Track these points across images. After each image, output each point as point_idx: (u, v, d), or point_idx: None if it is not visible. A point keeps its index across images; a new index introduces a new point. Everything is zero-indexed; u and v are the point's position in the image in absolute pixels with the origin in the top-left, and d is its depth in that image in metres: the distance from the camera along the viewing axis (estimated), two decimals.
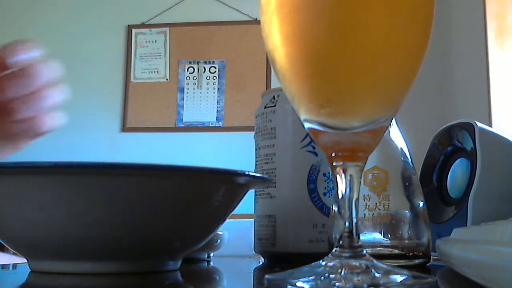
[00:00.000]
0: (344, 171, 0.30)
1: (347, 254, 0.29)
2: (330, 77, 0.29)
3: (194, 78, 2.55)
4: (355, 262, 0.28)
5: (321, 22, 0.28)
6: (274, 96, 0.52)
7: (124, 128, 2.51)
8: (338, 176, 0.30)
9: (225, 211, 0.38)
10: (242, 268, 0.52)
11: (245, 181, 0.37)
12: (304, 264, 0.30)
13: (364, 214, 0.40)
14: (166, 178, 0.33)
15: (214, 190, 0.35)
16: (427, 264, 0.42)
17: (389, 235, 0.41)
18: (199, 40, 2.56)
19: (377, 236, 0.41)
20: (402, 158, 0.43)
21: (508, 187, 0.49)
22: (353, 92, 0.30)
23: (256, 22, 2.44)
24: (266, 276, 0.30)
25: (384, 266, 0.29)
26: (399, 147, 0.43)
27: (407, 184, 0.42)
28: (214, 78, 2.54)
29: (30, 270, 0.36)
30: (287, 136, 0.50)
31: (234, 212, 0.39)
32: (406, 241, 0.41)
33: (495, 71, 2.21)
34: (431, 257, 0.42)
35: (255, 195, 0.52)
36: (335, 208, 0.41)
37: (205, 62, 2.56)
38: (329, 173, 0.49)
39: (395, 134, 0.43)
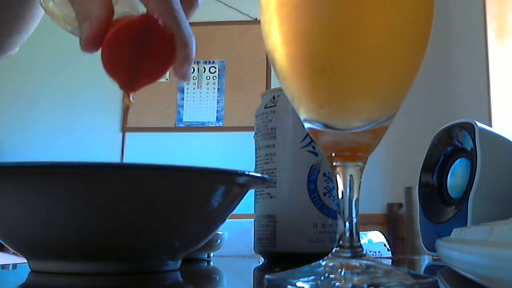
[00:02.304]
0: (344, 171, 0.30)
1: (347, 254, 0.29)
2: (330, 77, 0.29)
3: (194, 78, 2.55)
4: (355, 262, 0.28)
5: (321, 22, 0.28)
6: (274, 96, 0.52)
7: (124, 128, 2.51)
8: (338, 176, 0.30)
9: (225, 211, 0.38)
10: (242, 268, 0.52)
11: (245, 181, 0.37)
12: (304, 264, 0.30)
13: None
14: (166, 178, 0.33)
15: (214, 190, 0.35)
16: (427, 264, 0.42)
17: None
18: (199, 40, 2.54)
19: None
20: None
21: (508, 187, 0.49)
22: (353, 92, 0.30)
23: (256, 22, 2.44)
24: (266, 276, 0.30)
25: (384, 266, 0.29)
26: None
27: None
28: (214, 78, 2.54)
29: (30, 270, 0.36)
30: (287, 136, 0.50)
31: (234, 212, 0.39)
32: None
33: (495, 71, 2.21)
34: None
35: (255, 195, 0.52)
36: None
37: (205, 62, 2.56)
38: (329, 173, 0.49)
39: None
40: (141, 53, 0.41)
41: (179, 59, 0.42)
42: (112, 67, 0.42)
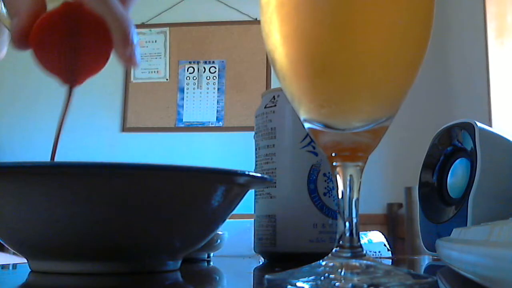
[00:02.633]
0: (344, 171, 0.30)
1: (347, 254, 0.29)
2: (330, 77, 0.29)
3: (194, 78, 2.55)
4: (355, 262, 0.28)
5: (321, 22, 0.28)
6: (274, 96, 0.52)
7: (124, 128, 2.51)
8: (338, 176, 0.30)
9: (225, 211, 0.38)
10: (242, 268, 0.52)
11: (245, 181, 0.37)
12: (304, 264, 0.30)
13: None
14: (166, 178, 0.33)
15: (214, 190, 0.35)
16: (427, 264, 0.42)
17: None
18: (199, 40, 2.57)
19: None
20: None
21: (508, 187, 0.49)
22: (353, 92, 0.30)
23: (256, 22, 2.44)
24: (266, 276, 0.30)
25: (384, 266, 0.29)
26: None
27: None
28: (214, 78, 2.54)
29: (30, 270, 0.36)
30: (287, 136, 0.50)
31: (234, 212, 0.39)
32: None
33: (495, 71, 2.21)
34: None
35: (255, 195, 0.52)
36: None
37: (205, 62, 2.56)
38: (329, 173, 0.49)
39: None
40: (74, 42, 0.39)
41: (117, 42, 0.39)
42: (46, 62, 0.39)
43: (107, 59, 0.40)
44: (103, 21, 0.38)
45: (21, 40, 0.38)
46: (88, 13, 0.38)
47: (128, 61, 0.39)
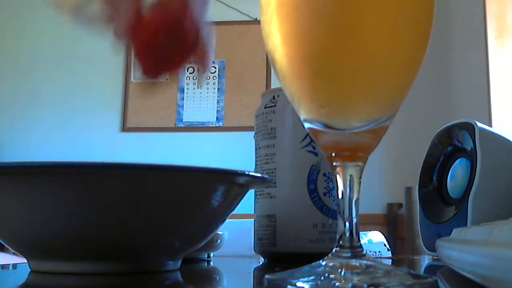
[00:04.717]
0: (344, 171, 0.30)
1: (347, 254, 0.29)
2: (330, 77, 0.29)
3: (194, 78, 2.55)
4: (355, 262, 0.28)
5: (321, 22, 0.28)
6: (274, 96, 0.52)
7: (124, 128, 2.51)
8: (338, 176, 0.30)
9: (225, 211, 0.38)
10: (242, 268, 0.52)
11: (245, 181, 0.37)
12: (304, 264, 0.30)
13: None
14: (166, 178, 0.33)
15: (214, 190, 0.35)
16: (427, 264, 0.42)
17: None
18: None
19: None
20: None
21: (508, 187, 0.49)
22: (353, 92, 0.30)
23: (256, 22, 2.44)
24: (266, 276, 0.30)
25: (384, 266, 0.29)
26: None
27: None
28: (214, 78, 2.54)
29: (30, 270, 0.37)
30: (287, 136, 0.50)
31: (234, 212, 0.39)
32: None
33: (495, 71, 2.21)
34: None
35: (255, 195, 0.52)
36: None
37: None
38: (329, 173, 0.49)
39: None
40: (171, 44, 0.42)
41: (199, 52, 0.44)
42: (144, 56, 0.42)
43: (181, 67, 0.45)
44: (198, 30, 0.42)
45: (123, 35, 0.42)
46: (191, 22, 0.41)
47: (201, 66, 0.46)
